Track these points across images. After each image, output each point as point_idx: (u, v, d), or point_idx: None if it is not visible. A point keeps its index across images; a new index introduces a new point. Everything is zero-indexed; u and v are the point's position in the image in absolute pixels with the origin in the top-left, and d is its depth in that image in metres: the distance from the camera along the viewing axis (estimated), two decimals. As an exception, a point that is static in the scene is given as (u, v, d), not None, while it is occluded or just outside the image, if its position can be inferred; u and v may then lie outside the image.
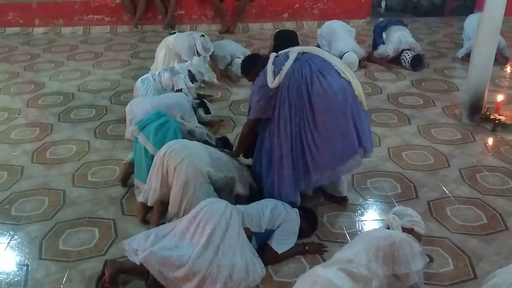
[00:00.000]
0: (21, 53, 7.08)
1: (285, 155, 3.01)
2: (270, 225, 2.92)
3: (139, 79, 4.78)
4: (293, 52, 3.02)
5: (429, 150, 4.26)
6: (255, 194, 3.31)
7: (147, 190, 3.21)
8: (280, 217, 2.94)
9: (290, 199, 3.12)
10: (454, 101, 5.26)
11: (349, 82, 2.99)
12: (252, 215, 2.91)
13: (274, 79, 2.93)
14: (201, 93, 5.24)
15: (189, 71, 4.89)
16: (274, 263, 2.91)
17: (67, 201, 3.55)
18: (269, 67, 2.99)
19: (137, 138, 3.46)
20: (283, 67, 2.94)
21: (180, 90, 4.58)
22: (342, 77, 2.98)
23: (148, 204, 3.23)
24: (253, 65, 3.26)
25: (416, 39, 6.55)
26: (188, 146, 3.13)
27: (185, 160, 3.03)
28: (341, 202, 3.50)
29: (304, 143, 2.99)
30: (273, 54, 3.12)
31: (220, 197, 3.12)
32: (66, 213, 3.42)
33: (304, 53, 3.02)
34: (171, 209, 3.13)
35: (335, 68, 2.99)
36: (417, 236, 2.55)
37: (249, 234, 2.87)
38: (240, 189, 3.25)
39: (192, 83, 4.88)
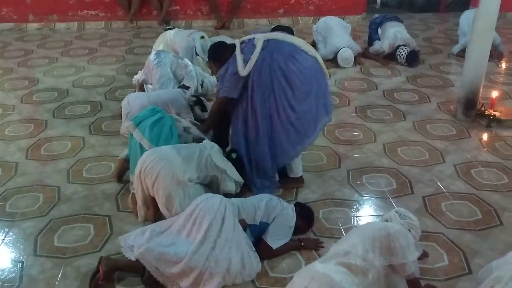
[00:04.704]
0: (15, 49, 7.03)
1: (261, 134, 3.28)
2: (265, 218, 2.93)
3: (153, 53, 4.83)
4: (258, 40, 3.21)
5: (424, 146, 4.27)
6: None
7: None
8: (275, 210, 2.95)
9: (269, 174, 3.43)
10: (449, 97, 5.27)
11: (315, 58, 3.30)
12: (248, 209, 2.92)
13: (245, 67, 3.15)
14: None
15: (203, 81, 4.94)
16: (269, 258, 2.91)
17: (62, 197, 3.54)
18: (238, 55, 3.19)
19: (133, 134, 3.45)
20: (251, 56, 3.11)
21: (185, 88, 4.61)
22: (309, 55, 3.27)
23: (139, 220, 3.23)
24: (222, 53, 3.39)
25: (412, 35, 6.56)
26: (162, 157, 3.06)
27: (161, 175, 3.01)
28: (299, 183, 3.63)
29: (284, 120, 3.22)
30: (238, 41, 3.30)
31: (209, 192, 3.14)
32: (61, 209, 3.40)
33: (269, 40, 3.20)
34: (167, 217, 3.10)
35: (302, 48, 3.26)
36: None
37: (244, 226, 2.87)
38: (225, 187, 3.24)
39: (199, 91, 4.90)
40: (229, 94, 3.30)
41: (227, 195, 3.16)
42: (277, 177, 3.59)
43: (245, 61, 3.16)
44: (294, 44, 3.27)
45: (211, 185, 3.29)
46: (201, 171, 3.16)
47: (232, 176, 3.25)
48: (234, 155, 3.35)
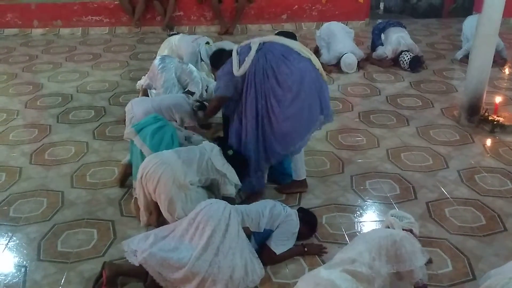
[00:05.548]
0: (20, 54, 7.08)
1: (249, 133, 3.34)
2: (269, 226, 2.93)
3: (158, 57, 4.83)
4: (254, 43, 3.32)
5: (427, 151, 4.27)
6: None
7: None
8: (279, 217, 2.95)
9: (250, 172, 3.43)
10: (452, 103, 5.27)
11: (309, 59, 3.32)
12: (252, 216, 2.92)
13: (239, 68, 3.24)
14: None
15: (207, 87, 4.94)
16: (273, 263, 2.91)
17: (65, 202, 3.55)
18: (234, 57, 3.30)
19: (133, 141, 3.45)
20: (247, 57, 3.24)
21: (191, 94, 4.62)
22: (303, 56, 3.30)
23: (141, 225, 3.23)
24: (221, 59, 3.50)
25: (415, 41, 6.57)
26: (163, 162, 3.05)
27: (162, 180, 3.00)
28: (303, 187, 3.66)
29: (273, 122, 3.26)
30: (236, 46, 3.42)
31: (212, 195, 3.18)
32: (64, 214, 3.41)
33: (264, 42, 3.33)
34: (169, 222, 3.09)
35: (295, 50, 3.31)
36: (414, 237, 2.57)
37: (248, 234, 2.87)
38: (225, 191, 3.24)
39: (203, 96, 4.91)
40: (224, 93, 3.39)
41: (228, 198, 3.17)
42: (265, 178, 3.61)
43: (240, 62, 3.25)
44: (287, 45, 3.33)
45: (211, 188, 3.28)
46: (202, 174, 3.15)
47: (232, 180, 3.24)
48: (230, 152, 3.31)
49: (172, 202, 3.02)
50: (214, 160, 3.20)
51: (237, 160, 3.32)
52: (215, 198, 3.19)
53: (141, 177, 3.09)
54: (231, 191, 3.25)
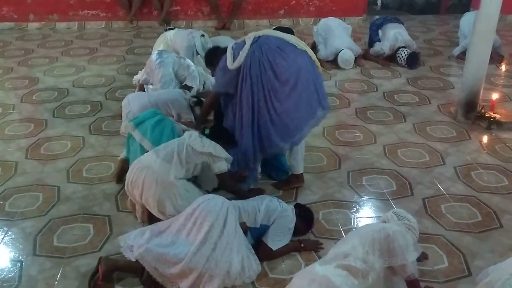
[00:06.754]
0: (15, 48, 7.03)
1: (245, 125, 3.31)
2: (265, 221, 2.93)
3: (155, 52, 4.81)
4: (249, 38, 3.33)
5: (424, 148, 4.27)
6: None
7: None
8: (275, 212, 2.95)
9: (250, 166, 3.45)
10: (449, 99, 5.27)
11: (305, 51, 3.32)
12: (248, 211, 2.92)
13: (233, 61, 3.25)
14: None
15: (205, 82, 4.92)
16: (269, 259, 2.91)
17: (61, 197, 3.53)
18: (229, 52, 3.32)
19: (130, 136, 3.43)
20: (241, 51, 3.25)
21: (188, 88, 4.60)
22: (298, 48, 3.31)
23: (139, 222, 3.22)
24: (215, 56, 3.55)
25: (412, 37, 6.56)
26: (143, 166, 3.03)
27: (146, 185, 3.00)
28: (300, 182, 3.64)
29: (272, 114, 3.25)
30: (232, 43, 3.47)
31: (202, 179, 3.25)
32: (60, 209, 3.40)
33: (260, 36, 3.33)
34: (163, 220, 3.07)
35: (291, 42, 3.31)
36: None
37: (245, 229, 2.87)
38: (216, 169, 3.16)
39: (200, 91, 4.90)
40: (219, 89, 3.43)
41: (222, 175, 3.16)
42: (258, 173, 3.61)
43: (235, 56, 3.26)
44: (282, 38, 3.33)
45: (206, 172, 3.23)
46: (186, 163, 3.09)
47: (220, 156, 3.15)
48: (206, 131, 3.25)
49: (161, 202, 3.01)
50: (194, 144, 3.10)
51: (219, 133, 3.28)
52: (202, 186, 3.27)
53: (127, 186, 3.10)
54: (222, 167, 3.17)
